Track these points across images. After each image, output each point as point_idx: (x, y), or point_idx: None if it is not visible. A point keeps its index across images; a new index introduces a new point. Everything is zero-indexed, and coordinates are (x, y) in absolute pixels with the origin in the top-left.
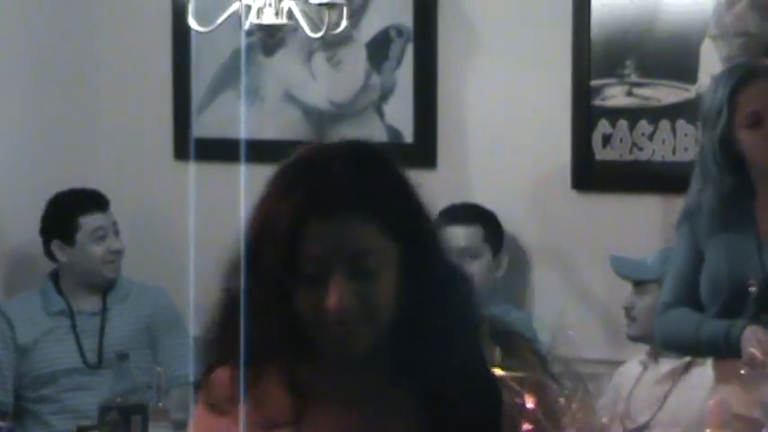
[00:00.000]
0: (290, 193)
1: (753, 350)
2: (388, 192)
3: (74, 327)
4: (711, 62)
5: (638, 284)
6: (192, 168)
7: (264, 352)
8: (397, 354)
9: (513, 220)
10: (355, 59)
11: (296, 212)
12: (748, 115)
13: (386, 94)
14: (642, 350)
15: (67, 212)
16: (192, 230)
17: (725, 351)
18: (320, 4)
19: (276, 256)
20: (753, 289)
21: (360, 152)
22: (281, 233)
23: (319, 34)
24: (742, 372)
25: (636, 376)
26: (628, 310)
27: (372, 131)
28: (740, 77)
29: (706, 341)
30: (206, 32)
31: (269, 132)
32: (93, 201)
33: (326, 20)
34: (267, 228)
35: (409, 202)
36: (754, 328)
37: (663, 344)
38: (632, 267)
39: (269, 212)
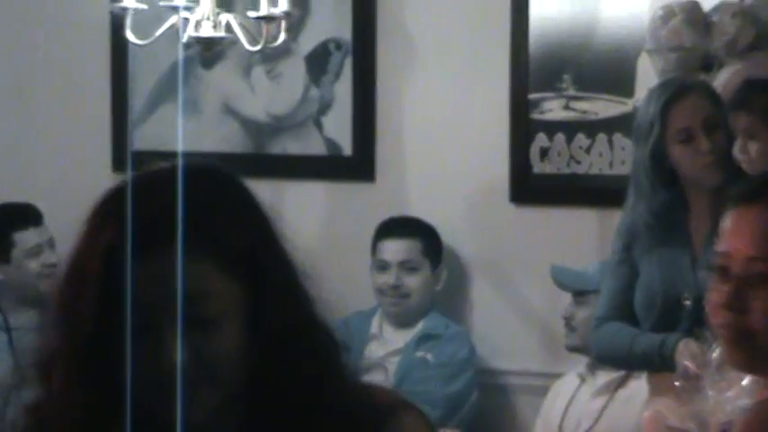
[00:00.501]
0: (103, 229)
1: (686, 363)
2: (229, 222)
3: (11, 342)
4: (648, 76)
5: (579, 295)
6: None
7: (75, 422)
8: (248, 421)
9: (451, 233)
10: (294, 72)
11: (110, 250)
12: (680, 131)
13: (325, 106)
14: (580, 362)
15: (1, 229)
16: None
17: (659, 364)
18: (258, 18)
19: (88, 305)
20: (687, 303)
21: (195, 176)
22: (94, 277)
23: (257, 47)
24: (676, 384)
25: (573, 389)
26: (567, 321)
27: (311, 144)
28: (673, 92)
29: (640, 355)
30: (144, 45)
31: (208, 145)
32: (26, 216)
33: (265, 33)
34: (77, 273)
35: (259, 234)
36: (688, 342)
37: (598, 357)
38: (574, 277)
39: (80, 254)
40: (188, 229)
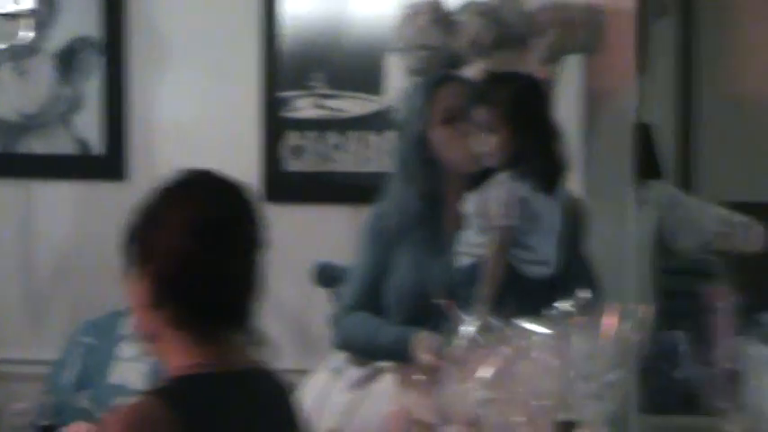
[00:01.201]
0: None
1: (425, 356)
2: None
3: None
4: (397, 74)
5: None
6: None
7: None
8: None
9: None
10: (43, 70)
11: None
12: (444, 110)
13: (75, 105)
14: (335, 358)
15: None
16: None
17: (400, 357)
18: (3, 15)
19: None
20: (437, 300)
21: None
22: None
23: (2, 45)
24: (419, 378)
25: (325, 384)
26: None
27: (61, 143)
28: (437, 79)
29: (383, 347)
30: None
31: None
32: None
33: (10, 30)
34: None
35: None
36: (424, 335)
37: (342, 347)
38: (345, 274)
39: None
40: None
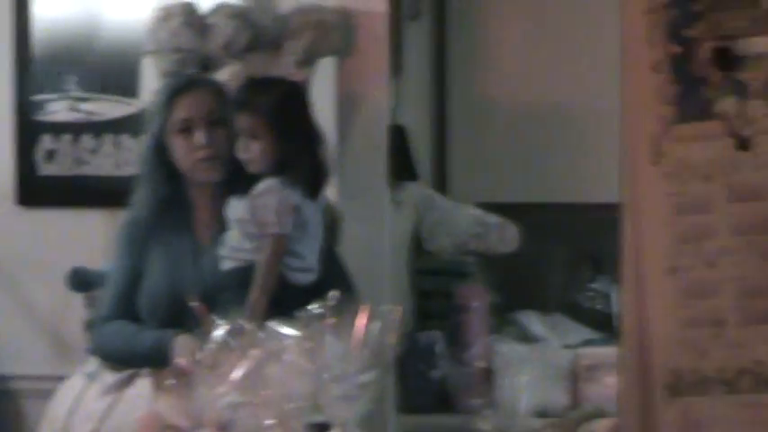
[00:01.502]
0: None
1: (179, 360)
2: None
3: None
4: (153, 77)
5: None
6: None
7: None
8: None
9: None
10: None
11: None
12: (180, 121)
13: None
14: (91, 363)
15: None
16: None
17: (160, 362)
18: None
19: None
20: (193, 304)
21: None
22: None
23: None
24: (171, 382)
25: (80, 389)
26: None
27: None
28: (179, 85)
29: (141, 353)
30: None
31: None
32: None
33: None
34: None
35: None
36: (184, 338)
37: (101, 357)
38: (100, 279)
39: None
40: None
